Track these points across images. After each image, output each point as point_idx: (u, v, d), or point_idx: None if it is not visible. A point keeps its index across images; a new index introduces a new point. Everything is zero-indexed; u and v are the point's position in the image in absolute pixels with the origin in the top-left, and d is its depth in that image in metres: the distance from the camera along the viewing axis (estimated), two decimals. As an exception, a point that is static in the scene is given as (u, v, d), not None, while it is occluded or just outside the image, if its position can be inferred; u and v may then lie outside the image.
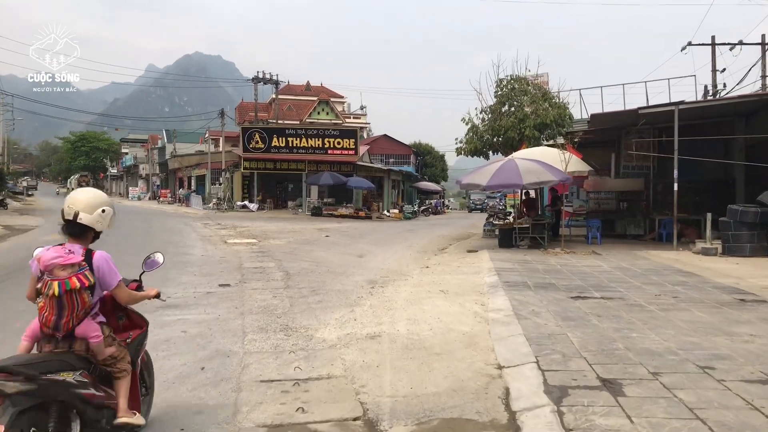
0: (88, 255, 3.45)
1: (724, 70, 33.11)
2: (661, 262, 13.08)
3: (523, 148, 19.38)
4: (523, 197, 18.98)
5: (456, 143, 22.04)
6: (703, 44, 33.16)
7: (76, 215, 3.48)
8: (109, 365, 3.50)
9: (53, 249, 3.37)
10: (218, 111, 55.57)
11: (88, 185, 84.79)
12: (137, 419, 3.58)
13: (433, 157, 70.85)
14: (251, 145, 42.13)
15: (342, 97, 67.10)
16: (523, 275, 10.93)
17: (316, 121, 58.27)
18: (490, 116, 21.38)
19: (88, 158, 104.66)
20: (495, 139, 21.67)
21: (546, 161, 15.61)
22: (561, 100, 21.13)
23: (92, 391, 3.23)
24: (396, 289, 9.99)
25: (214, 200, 44.79)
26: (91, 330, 3.40)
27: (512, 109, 21.16)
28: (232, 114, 66.36)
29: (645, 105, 16.78)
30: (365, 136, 64.21)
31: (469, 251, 16.13)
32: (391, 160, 60.45)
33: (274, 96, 54.76)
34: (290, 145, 41.95)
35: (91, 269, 3.40)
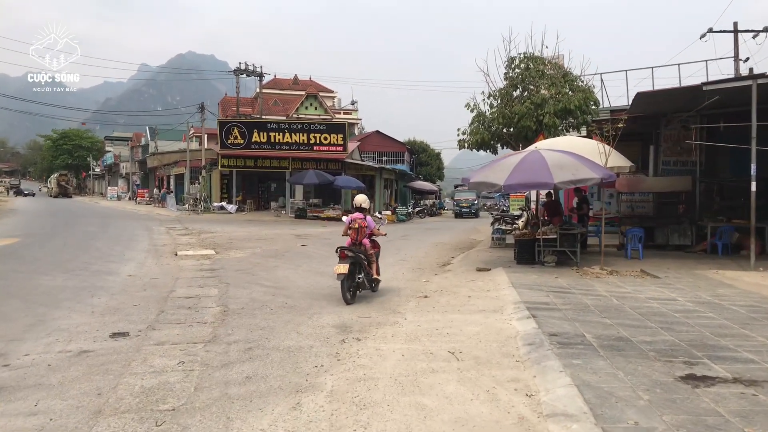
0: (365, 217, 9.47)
1: (748, 59, 29.81)
2: (754, 291, 9.49)
3: (540, 140, 15.81)
4: (545, 198, 15.37)
5: (458, 134, 18.46)
6: (724, 31, 29.92)
7: (360, 204, 9.59)
8: (369, 256, 9.44)
9: (357, 214, 9.37)
10: (198, 105, 51.79)
11: (67, 184, 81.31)
12: (378, 278, 9.75)
13: (428, 155, 67.23)
14: (229, 141, 38.40)
15: (332, 91, 63.40)
16: (571, 317, 7.30)
17: (303, 116, 54.55)
18: (499, 102, 17.78)
19: (70, 156, 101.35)
20: (505, 130, 18.10)
21: (579, 153, 12.02)
22: (585, 83, 17.55)
23: (365, 262, 9.31)
24: (379, 348, 6.33)
25: (190, 201, 41.01)
26: (366, 241, 9.35)
27: (526, 93, 17.58)
28: (216, 109, 62.65)
29: (710, 81, 13.12)
30: (356, 132, 60.53)
31: (480, 269, 12.49)
32: (384, 159, 56.79)
33: (258, 90, 50.94)
34: (272, 140, 38.22)
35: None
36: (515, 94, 18.07)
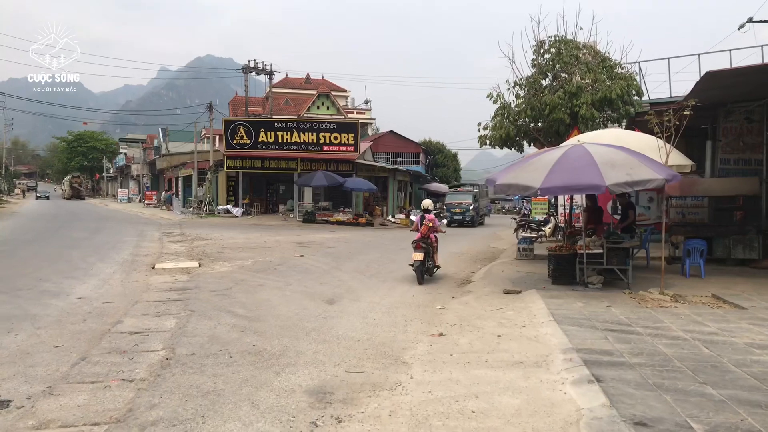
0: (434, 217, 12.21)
1: (803, 50, 27.04)
2: None
3: (574, 135, 13.45)
4: (588, 203, 13.01)
5: (479, 130, 16.13)
6: (766, 21, 27.24)
7: (427, 207, 12.50)
8: (433, 246, 12.04)
9: (429, 215, 12.14)
10: (206, 105, 50.09)
11: (80, 186, 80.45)
12: (438, 265, 12.46)
13: (444, 156, 64.77)
14: (235, 141, 36.43)
15: (345, 90, 61.31)
16: (653, 381, 4.99)
17: (313, 116, 52.50)
18: (526, 92, 15.45)
19: (85, 158, 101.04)
20: (533, 125, 15.78)
21: (631, 148, 9.66)
22: (626, 70, 15.16)
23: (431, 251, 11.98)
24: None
25: (194, 204, 39.13)
26: (433, 236, 11.97)
27: (557, 82, 15.23)
28: (227, 110, 60.91)
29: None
30: (370, 133, 58.37)
31: (508, 292, 10.18)
32: (398, 160, 54.49)
33: (269, 89, 48.99)
34: (280, 140, 36.15)
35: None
36: (544, 83, 15.73)
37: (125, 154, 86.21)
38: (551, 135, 15.39)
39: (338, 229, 29.45)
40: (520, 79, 15.34)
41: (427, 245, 11.86)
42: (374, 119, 61.84)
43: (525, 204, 43.47)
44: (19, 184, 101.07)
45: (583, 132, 13.54)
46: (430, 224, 12.00)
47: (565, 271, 10.66)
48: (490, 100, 15.32)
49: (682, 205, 14.45)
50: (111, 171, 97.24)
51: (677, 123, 9.63)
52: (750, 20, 27.59)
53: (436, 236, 12.29)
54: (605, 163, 8.78)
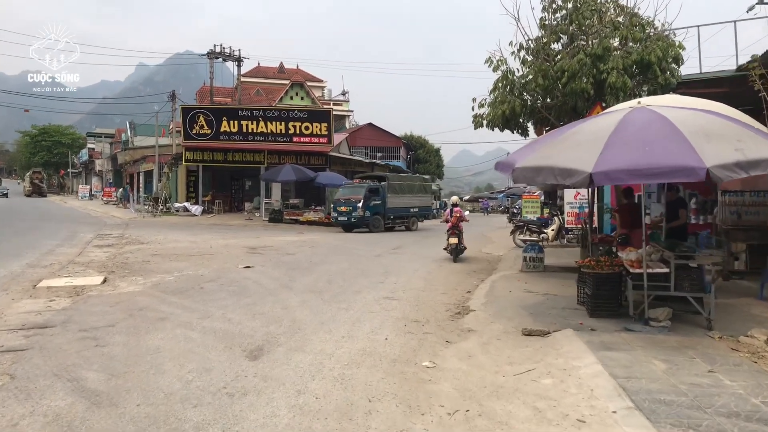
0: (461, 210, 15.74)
1: (822, 28, 24.09)
2: None
3: (597, 113, 10.11)
4: (622, 199, 9.67)
5: (473, 107, 12.71)
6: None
7: (455, 202, 16.87)
8: (460, 230, 15.08)
9: (457, 208, 15.68)
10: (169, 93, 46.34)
11: (41, 182, 75.70)
12: (464, 246, 15.29)
13: (426, 151, 61.37)
14: (194, 131, 32.72)
15: (321, 81, 57.56)
16: None
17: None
18: (535, 57, 12.06)
19: (49, 153, 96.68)
20: (540, 102, 12.44)
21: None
22: (662, 29, 11.84)
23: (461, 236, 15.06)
24: None
25: (149, 202, 35.25)
26: (461, 225, 15.14)
27: (572, 46, 11.88)
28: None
29: None
30: (347, 126, 54.78)
31: (530, 333, 6.74)
32: (378, 155, 50.98)
33: (237, 77, 45.18)
34: (245, 130, 32.51)
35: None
36: (556, 47, 12.37)
37: (89, 148, 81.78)
38: (565, 113, 12.04)
39: (307, 230, 25.89)
40: (528, 40, 11.98)
41: (459, 232, 15.06)
42: (352, 111, 58.24)
43: (515, 203, 40.19)
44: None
45: (611, 106, 10.17)
46: (458, 215, 15.28)
47: (608, 299, 7.29)
48: (489, 66, 11.91)
49: (736, 203, 11.19)
50: (77, 166, 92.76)
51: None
52: (760, 2, 24.57)
53: (462, 225, 15.38)
54: (696, 133, 5.40)
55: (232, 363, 5.71)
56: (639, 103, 6.59)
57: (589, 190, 13.16)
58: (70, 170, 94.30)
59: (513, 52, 11.93)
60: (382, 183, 26.75)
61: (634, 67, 10.96)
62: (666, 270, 6.82)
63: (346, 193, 26.37)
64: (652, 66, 10.79)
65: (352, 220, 25.23)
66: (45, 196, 68.13)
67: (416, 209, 28.72)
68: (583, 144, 5.71)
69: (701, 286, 6.75)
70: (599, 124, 6.07)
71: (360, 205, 25.11)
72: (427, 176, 32.87)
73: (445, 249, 15.39)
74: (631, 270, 7.06)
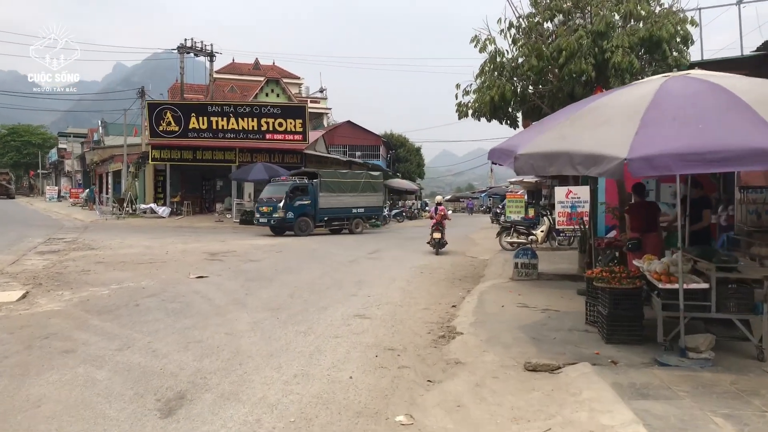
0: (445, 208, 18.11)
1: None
2: None
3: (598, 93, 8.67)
4: (634, 197, 8.28)
5: (459, 93, 11.23)
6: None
7: (440, 201, 19.26)
8: (444, 226, 16.89)
9: (441, 207, 17.74)
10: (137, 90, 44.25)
11: (9, 184, 72.87)
12: (446, 241, 16.98)
13: (407, 151, 59.89)
14: (161, 128, 30.86)
15: (298, 78, 55.79)
16: None
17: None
18: (528, 38, 10.62)
19: (18, 154, 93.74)
20: (531, 89, 11.03)
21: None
22: (672, 4, 10.46)
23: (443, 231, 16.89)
24: None
25: (113, 203, 33.33)
26: (444, 222, 16.93)
27: (567, 26, 10.48)
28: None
29: None
30: (325, 124, 53.12)
31: (534, 369, 5.25)
32: (357, 153, 49.36)
33: (210, 73, 43.21)
34: (215, 127, 30.75)
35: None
36: (549, 26, 10.96)
37: (58, 148, 79.15)
38: (560, 101, 10.61)
39: (279, 234, 24.23)
40: (519, 17, 10.56)
41: (442, 228, 16.58)
42: (330, 109, 56.55)
43: (499, 203, 38.90)
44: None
45: (613, 87, 8.76)
46: (442, 213, 17.02)
47: (629, 320, 5.86)
48: (475, 46, 10.47)
49: (756, 201, 9.88)
50: (47, 167, 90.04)
51: None
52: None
53: (445, 222, 17.12)
54: (763, 103, 3.96)
55: (135, 424, 4.15)
56: (683, 74, 5.15)
57: (590, 184, 11.75)
58: (40, 171, 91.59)
59: (502, 30, 10.48)
60: (313, 180, 23.52)
61: (642, 45, 9.56)
62: (705, 285, 5.40)
63: (269, 192, 23.35)
64: (662, 44, 9.41)
65: (272, 222, 22.38)
66: (13, 198, 65.73)
67: (361, 210, 25.11)
68: (612, 121, 4.28)
69: (750, 306, 5.34)
70: (628, 97, 4.63)
71: (281, 205, 22.08)
72: (377, 173, 28.52)
73: (428, 243, 16.78)
74: (658, 284, 5.62)
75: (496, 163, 6.10)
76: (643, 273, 6.35)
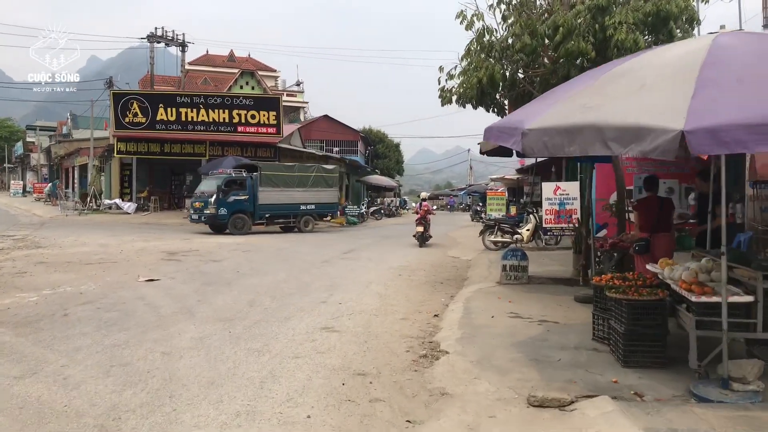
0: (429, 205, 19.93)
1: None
2: None
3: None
4: (648, 193, 7.27)
5: (442, 77, 10.15)
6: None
7: (425, 197, 20.92)
8: (428, 224, 18.03)
9: (425, 203, 18.94)
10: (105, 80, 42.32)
11: (-28, 178, 70.23)
12: (430, 235, 18.24)
13: (386, 147, 58.81)
14: (127, 120, 29.35)
15: (274, 70, 54.26)
16: None
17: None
18: (519, 16, 9.57)
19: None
20: (521, 73, 10.00)
21: None
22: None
23: (427, 226, 18.05)
24: None
25: (75, 198, 31.67)
26: (429, 217, 18.29)
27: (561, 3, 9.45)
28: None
29: None
30: (302, 119, 51.76)
31: (540, 404, 4.18)
32: (334, 149, 48.11)
33: (182, 64, 41.58)
34: (184, 118, 29.34)
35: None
36: (542, 2, 9.94)
37: (24, 142, 76.53)
38: (553, 86, 9.58)
39: (249, 232, 22.95)
40: (507, -8, 9.50)
41: (425, 222, 17.54)
42: (307, 102, 55.16)
43: (478, 201, 38.03)
44: None
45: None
46: (426, 209, 18.21)
47: (651, 339, 4.82)
48: (461, 22, 9.39)
49: (767, 197, 8.98)
50: (13, 160, 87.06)
51: None
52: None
53: (429, 217, 18.22)
54: None
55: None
56: (726, 32, 4.11)
57: (588, 178, 10.76)
58: (6, 165, 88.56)
59: (491, 5, 9.41)
60: (253, 174, 21.62)
61: (646, 22, 8.57)
62: (749, 298, 4.38)
63: (204, 186, 21.36)
64: (670, 21, 8.44)
65: (203, 218, 20.42)
66: (-24, 193, 63.25)
67: (311, 206, 23.02)
68: (656, 85, 3.22)
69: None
70: (670, 56, 3.57)
71: (212, 200, 20.16)
72: (331, 167, 26.65)
73: (414, 236, 17.75)
74: (690, 297, 4.58)
75: (487, 154, 5.00)
76: (662, 281, 5.33)
